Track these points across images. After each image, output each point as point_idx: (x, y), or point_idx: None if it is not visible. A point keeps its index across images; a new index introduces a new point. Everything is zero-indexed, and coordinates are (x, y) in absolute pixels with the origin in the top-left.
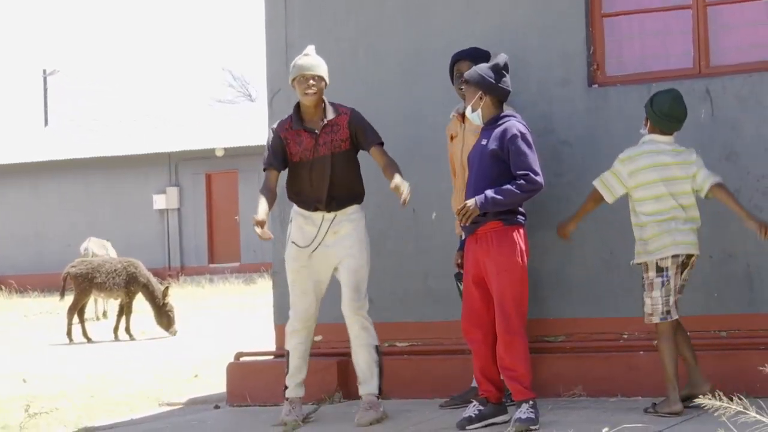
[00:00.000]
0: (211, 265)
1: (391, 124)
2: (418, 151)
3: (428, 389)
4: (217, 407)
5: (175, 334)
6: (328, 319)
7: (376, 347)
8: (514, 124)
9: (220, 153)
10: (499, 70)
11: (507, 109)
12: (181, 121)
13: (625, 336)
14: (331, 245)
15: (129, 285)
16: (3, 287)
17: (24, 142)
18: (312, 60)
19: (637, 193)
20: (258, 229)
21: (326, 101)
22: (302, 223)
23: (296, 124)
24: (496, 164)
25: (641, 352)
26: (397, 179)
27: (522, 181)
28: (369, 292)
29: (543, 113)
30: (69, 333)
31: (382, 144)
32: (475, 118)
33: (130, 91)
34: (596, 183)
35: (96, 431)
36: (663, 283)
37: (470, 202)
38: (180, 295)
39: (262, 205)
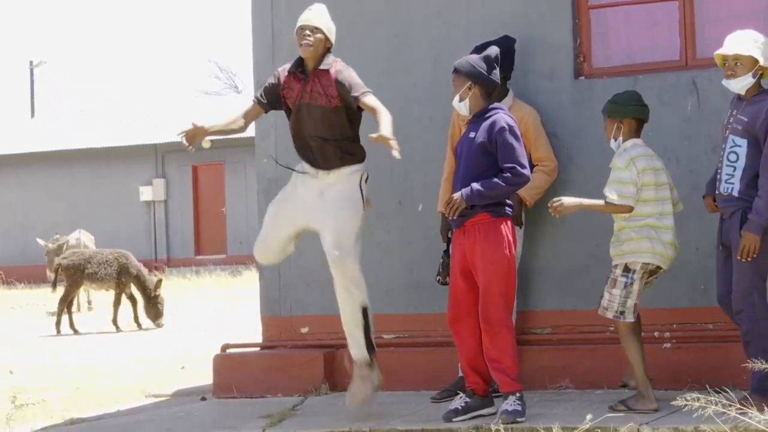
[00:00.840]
0: (198, 257)
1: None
2: (403, 144)
3: (415, 382)
4: (203, 399)
5: (161, 327)
6: (314, 311)
7: (363, 309)
8: (503, 117)
9: (206, 145)
10: (490, 62)
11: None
12: (167, 112)
13: (612, 328)
14: (318, 201)
15: (120, 276)
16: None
17: (10, 134)
18: (310, 13)
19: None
20: (187, 128)
21: (328, 56)
22: (304, 169)
23: (292, 68)
24: (485, 157)
25: None
26: (383, 129)
27: (508, 174)
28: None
29: (531, 104)
30: (58, 324)
31: (369, 93)
32: (462, 108)
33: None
34: (613, 200)
35: (82, 422)
36: (626, 284)
37: (456, 195)
38: (166, 286)
39: (217, 119)
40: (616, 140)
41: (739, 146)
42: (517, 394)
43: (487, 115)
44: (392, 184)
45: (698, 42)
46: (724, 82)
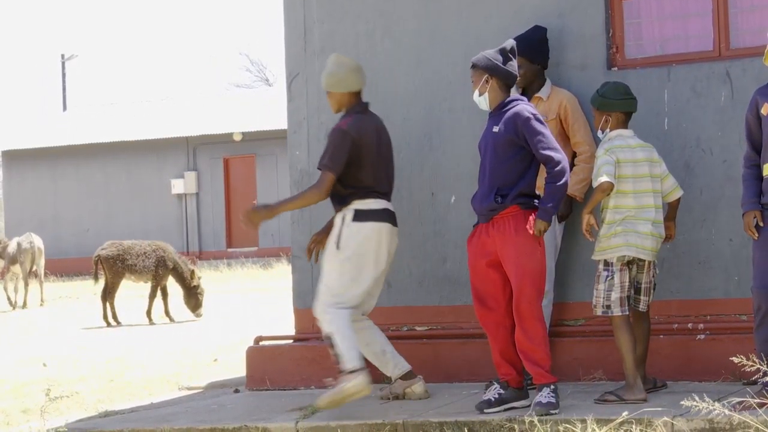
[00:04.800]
0: (229, 250)
1: (408, 106)
2: (435, 134)
3: (448, 373)
4: (236, 391)
5: (200, 317)
6: None
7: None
8: (524, 107)
9: (238, 137)
10: (506, 54)
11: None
12: (198, 105)
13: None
14: None
15: (158, 268)
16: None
17: (43, 127)
18: (322, 77)
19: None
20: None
21: (346, 112)
22: None
23: None
24: (512, 150)
25: (661, 336)
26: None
27: (550, 172)
28: (387, 276)
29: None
30: (105, 317)
31: (321, 169)
32: (482, 102)
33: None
34: (602, 179)
35: (116, 415)
36: (606, 278)
37: (540, 225)
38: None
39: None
40: (603, 132)
41: None
42: (552, 386)
43: (508, 107)
44: (425, 176)
45: (732, 32)
46: None
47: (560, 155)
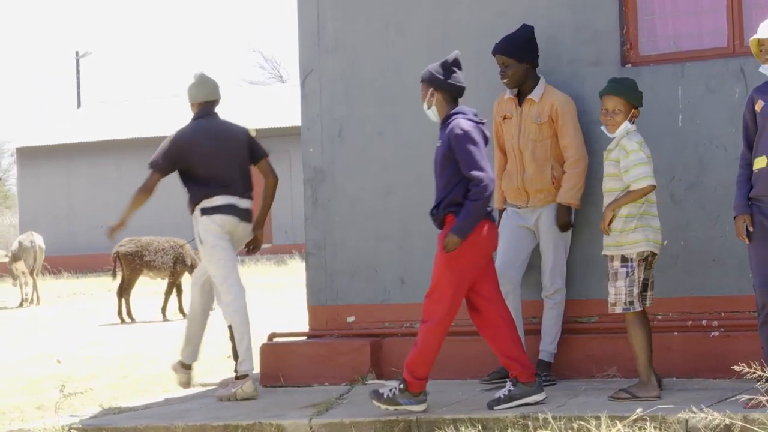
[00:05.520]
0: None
1: (420, 102)
2: None
3: (460, 370)
4: None
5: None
6: (361, 300)
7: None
8: (458, 123)
9: (251, 134)
10: (448, 67)
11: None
12: None
13: (659, 317)
14: None
15: (176, 265)
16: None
17: (57, 124)
18: None
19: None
20: None
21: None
22: None
23: None
24: (449, 165)
25: (675, 333)
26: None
27: (471, 190)
28: (401, 273)
29: (575, 93)
30: (120, 313)
31: (148, 167)
32: (431, 114)
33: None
34: (650, 182)
35: (130, 411)
36: (627, 274)
37: (450, 241)
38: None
39: None
40: (625, 125)
41: None
42: (417, 394)
43: (448, 121)
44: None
45: (746, 28)
46: (761, 69)
47: (484, 174)
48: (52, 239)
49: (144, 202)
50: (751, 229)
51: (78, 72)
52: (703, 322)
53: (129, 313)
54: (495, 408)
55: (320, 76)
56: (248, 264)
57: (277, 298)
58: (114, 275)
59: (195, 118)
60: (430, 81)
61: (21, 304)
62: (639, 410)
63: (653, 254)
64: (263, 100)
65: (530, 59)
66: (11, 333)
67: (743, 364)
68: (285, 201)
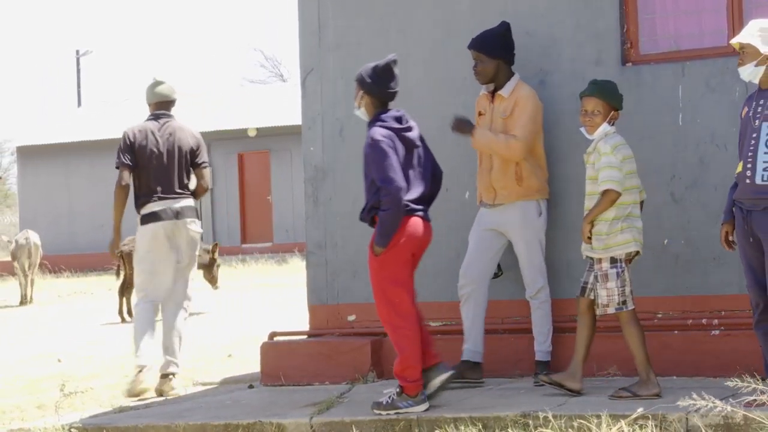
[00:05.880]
0: (244, 245)
1: (422, 102)
2: (449, 130)
3: (461, 368)
4: (251, 387)
5: (217, 289)
6: (362, 298)
7: None
8: (373, 131)
9: (252, 133)
10: (379, 71)
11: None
12: (213, 101)
13: (660, 315)
14: None
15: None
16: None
17: (57, 123)
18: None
19: None
20: None
21: None
22: None
23: None
24: (368, 170)
25: (675, 332)
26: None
27: (382, 201)
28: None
29: (577, 92)
30: (121, 312)
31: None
32: (360, 115)
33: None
34: (611, 186)
35: (131, 410)
36: (618, 274)
37: (375, 251)
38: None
39: None
40: (604, 126)
41: None
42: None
43: (370, 126)
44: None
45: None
46: (739, 70)
47: (391, 186)
48: (52, 238)
49: (125, 200)
50: (731, 238)
51: (78, 71)
52: (704, 321)
53: (129, 312)
54: (374, 411)
55: (321, 75)
56: (249, 263)
57: (278, 297)
58: (118, 274)
59: (147, 119)
60: (360, 83)
61: (21, 303)
62: (640, 409)
63: (637, 253)
64: (264, 99)
65: (502, 55)
66: (11, 332)
67: (736, 379)
68: (286, 200)
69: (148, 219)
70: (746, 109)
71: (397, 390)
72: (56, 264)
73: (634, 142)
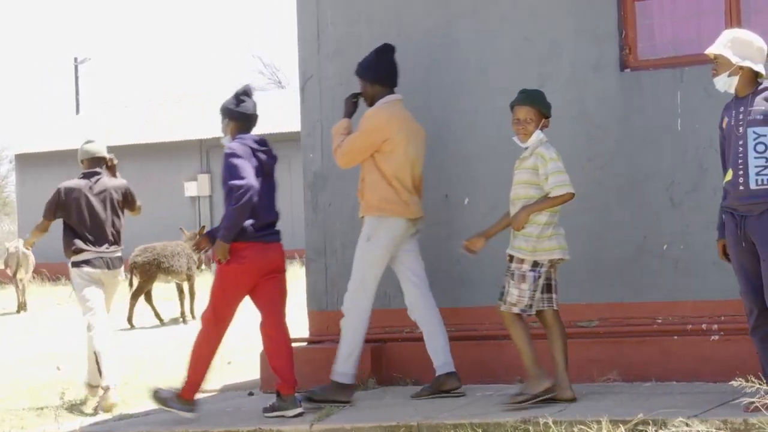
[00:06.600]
0: None
1: (421, 108)
2: (448, 135)
3: (462, 375)
4: (251, 394)
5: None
6: None
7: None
8: (230, 144)
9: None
10: (238, 96)
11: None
12: (212, 107)
13: (659, 320)
14: None
15: (189, 268)
16: (35, 275)
17: (55, 130)
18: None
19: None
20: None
21: None
22: None
23: None
24: (224, 181)
25: (675, 337)
26: None
27: (233, 196)
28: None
29: (575, 97)
30: (130, 319)
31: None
32: (226, 142)
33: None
34: (569, 189)
35: (131, 418)
36: (534, 278)
37: (217, 246)
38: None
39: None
40: (537, 133)
41: (765, 135)
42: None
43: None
44: (439, 178)
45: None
46: (714, 81)
47: (243, 181)
48: (50, 246)
49: (40, 237)
50: (726, 253)
51: (77, 78)
52: (703, 326)
53: (129, 319)
54: (265, 415)
55: (320, 82)
56: None
57: None
58: (131, 284)
59: (79, 177)
60: (224, 113)
61: (18, 311)
62: (640, 415)
63: (561, 259)
64: (263, 106)
65: (372, 77)
66: (11, 337)
67: (740, 379)
68: (285, 206)
69: (81, 264)
70: (726, 118)
71: (176, 390)
72: (54, 272)
73: (632, 147)
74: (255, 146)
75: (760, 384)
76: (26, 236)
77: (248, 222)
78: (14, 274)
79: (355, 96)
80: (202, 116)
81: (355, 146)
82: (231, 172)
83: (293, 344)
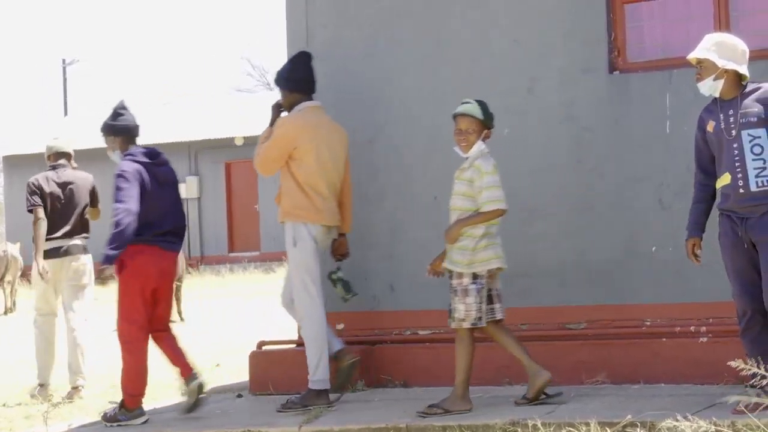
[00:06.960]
0: (231, 254)
1: (411, 110)
2: (438, 138)
3: (451, 377)
4: (239, 396)
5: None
6: (350, 307)
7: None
8: (121, 164)
9: (239, 142)
10: (115, 111)
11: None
12: (200, 110)
13: (648, 323)
14: None
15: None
16: (23, 278)
17: (44, 132)
18: None
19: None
20: None
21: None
22: None
23: None
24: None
25: (663, 339)
26: None
27: (114, 220)
28: (390, 280)
29: (565, 100)
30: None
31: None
32: (114, 158)
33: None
34: (500, 206)
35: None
36: (478, 290)
37: (101, 269)
38: (200, 283)
39: None
40: (479, 144)
41: (760, 137)
42: (131, 411)
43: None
44: (428, 180)
45: (733, 35)
46: (698, 85)
47: (120, 205)
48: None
49: (44, 232)
50: (699, 251)
51: (65, 80)
52: (692, 329)
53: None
54: (102, 422)
55: None
56: (236, 272)
57: (266, 306)
58: None
59: (47, 169)
60: (106, 130)
61: (5, 312)
62: (629, 417)
63: (499, 268)
64: (251, 108)
65: (286, 86)
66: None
67: (739, 360)
68: (273, 208)
69: (48, 254)
70: (713, 122)
71: (120, 404)
72: None
73: (622, 149)
74: (146, 160)
75: (749, 367)
76: (38, 260)
77: (148, 228)
78: (2, 277)
79: (280, 104)
80: (191, 118)
81: (268, 154)
82: (118, 194)
83: (281, 347)
